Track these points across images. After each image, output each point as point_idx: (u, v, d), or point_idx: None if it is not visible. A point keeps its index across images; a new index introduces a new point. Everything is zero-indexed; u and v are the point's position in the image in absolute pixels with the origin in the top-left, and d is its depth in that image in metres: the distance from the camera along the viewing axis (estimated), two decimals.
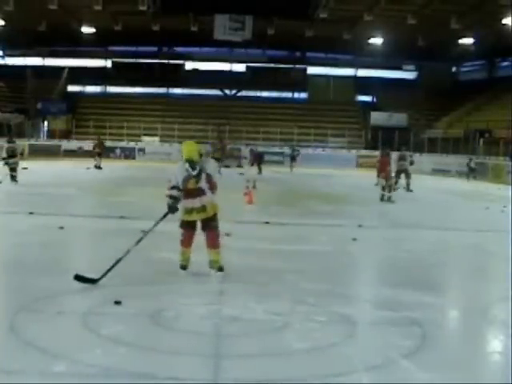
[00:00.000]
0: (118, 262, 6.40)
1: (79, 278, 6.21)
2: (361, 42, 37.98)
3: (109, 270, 6.32)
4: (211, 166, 6.88)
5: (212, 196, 6.73)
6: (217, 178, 6.86)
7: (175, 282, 6.56)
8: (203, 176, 6.64)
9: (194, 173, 6.62)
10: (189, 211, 6.71)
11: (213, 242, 6.75)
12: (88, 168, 26.47)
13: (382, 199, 16.21)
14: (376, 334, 5.20)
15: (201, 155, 6.78)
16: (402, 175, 19.60)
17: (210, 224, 6.73)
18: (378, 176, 16.86)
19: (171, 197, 6.74)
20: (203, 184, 6.64)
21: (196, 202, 6.67)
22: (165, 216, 6.81)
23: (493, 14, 30.95)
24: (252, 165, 29.39)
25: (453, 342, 5.25)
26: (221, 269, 6.75)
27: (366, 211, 14.61)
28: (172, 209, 6.71)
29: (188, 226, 6.76)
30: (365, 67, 46.55)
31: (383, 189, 16.35)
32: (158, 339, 4.82)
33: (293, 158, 33.12)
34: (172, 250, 6.96)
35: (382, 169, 16.67)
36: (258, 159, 29.34)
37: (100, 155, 28.26)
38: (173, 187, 6.76)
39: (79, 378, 4.05)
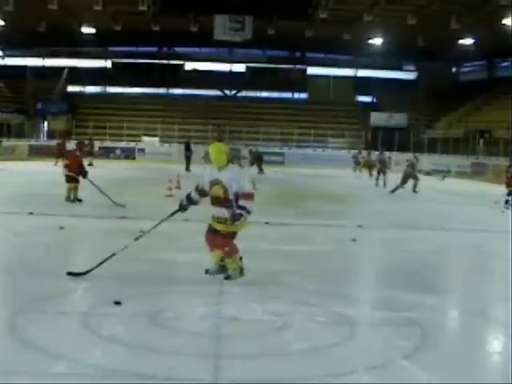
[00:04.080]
0: (111, 256, 6.45)
1: (71, 273, 6.42)
2: (361, 42, 37.96)
3: (101, 263, 6.42)
4: (237, 176, 6.40)
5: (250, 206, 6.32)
6: (249, 185, 6.44)
7: (175, 282, 6.56)
8: (229, 187, 6.32)
9: (217, 179, 6.39)
10: (212, 217, 6.52)
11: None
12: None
13: (506, 202, 16.33)
14: (376, 335, 5.21)
15: (229, 160, 6.46)
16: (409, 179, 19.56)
17: (224, 234, 6.44)
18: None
19: (188, 197, 6.67)
20: (231, 195, 6.34)
21: (218, 212, 6.43)
22: (173, 214, 6.77)
23: (493, 14, 30.95)
24: (252, 165, 29.44)
25: (452, 342, 5.25)
26: (227, 277, 6.55)
27: (366, 211, 14.62)
28: (181, 207, 6.64)
29: (210, 230, 6.56)
30: (365, 67, 46.56)
31: (509, 194, 16.54)
32: (158, 339, 4.81)
33: (357, 162, 32.57)
34: (172, 250, 6.95)
35: None
36: (258, 160, 29.44)
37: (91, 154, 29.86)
38: (196, 188, 6.67)
39: (79, 379, 4.05)
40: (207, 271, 6.61)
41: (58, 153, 29.14)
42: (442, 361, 4.52)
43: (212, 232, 6.53)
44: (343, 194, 19.35)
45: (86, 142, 31.59)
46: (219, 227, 6.44)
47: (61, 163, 27.64)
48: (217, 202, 6.41)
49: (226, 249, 6.48)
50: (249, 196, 6.34)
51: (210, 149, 6.52)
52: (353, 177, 26.81)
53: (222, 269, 6.57)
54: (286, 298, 6.05)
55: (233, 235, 6.49)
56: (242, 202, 6.29)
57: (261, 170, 28.25)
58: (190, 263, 6.82)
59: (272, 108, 43.33)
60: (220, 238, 6.46)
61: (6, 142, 33.69)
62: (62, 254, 8.37)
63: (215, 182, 6.40)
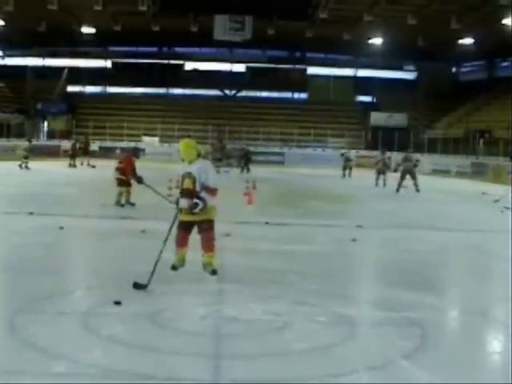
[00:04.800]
0: (156, 264, 6.33)
1: (136, 285, 6.17)
2: (361, 42, 37.96)
3: (153, 272, 6.25)
4: (206, 168, 6.66)
5: (209, 199, 6.53)
6: (214, 181, 6.64)
7: (175, 282, 6.56)
8: (198, 178, 6.52)
9: (188, 172, 6.58)
10: (181, 211, 6.64)
11: (203, 245, 6.66)
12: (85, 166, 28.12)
13: None
14: (376, 335, 5.21)
15: (199, 155, 6.71)
16: (408, 176, 19.61)
17: (202, 226, 6.62)
18: None
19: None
20: (198, 186, 6.52)
21: (184, 203, 6.57)
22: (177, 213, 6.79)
23: (493, 14, 30.95)
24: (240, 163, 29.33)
25: (452, 342, 5.25)
26: (214, 272, 6.63)
27: (366, 211, 14.61)
28: (177, 203, 6.70)
29: (180, 226, 6.67)
30: (365, 67, 46.55)
31: None
32: (158, 339, 4.82)
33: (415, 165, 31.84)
34: (171, 250, 6.94)
35: None
36: (245, 157, 29.17)
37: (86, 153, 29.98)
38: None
39: (79, 379, 4.05)
40: (174, 267, 6.71)
41: (72, 153, 29.33)
42: (442, 361, 4.52)
43: (184, 229, 6.63)
44: (343, 194, 19.35)
45: (81, 140, 31.67)
46: (188, 218, 6.56)
47: (72, 162, 28.06)
48: (186, 194, 6.54)
49: (214, 242, 6.66)
50: (212, 191, 6.53)
51: (179, 145, 6.74)
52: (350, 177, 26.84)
53: (183, 263, 6.75)
54: (285, 297, 6.05)
55: (212, 226, 6.66)
56: (203, 194, 6.48)
57: (246, 169, 27.97)
58: (189, 263, 6.81)
59: (272, 108, 43.32)
60: (205, 234, 6.60)
61: (36, 142, 33.79)
62: (62, 255, 8.38)
63: (186, 175, 6.58)
